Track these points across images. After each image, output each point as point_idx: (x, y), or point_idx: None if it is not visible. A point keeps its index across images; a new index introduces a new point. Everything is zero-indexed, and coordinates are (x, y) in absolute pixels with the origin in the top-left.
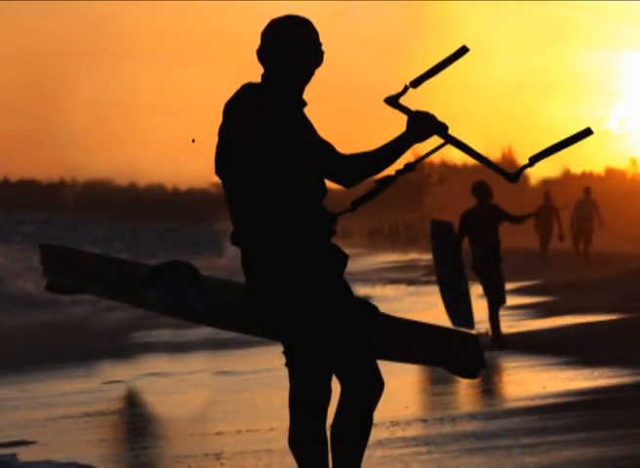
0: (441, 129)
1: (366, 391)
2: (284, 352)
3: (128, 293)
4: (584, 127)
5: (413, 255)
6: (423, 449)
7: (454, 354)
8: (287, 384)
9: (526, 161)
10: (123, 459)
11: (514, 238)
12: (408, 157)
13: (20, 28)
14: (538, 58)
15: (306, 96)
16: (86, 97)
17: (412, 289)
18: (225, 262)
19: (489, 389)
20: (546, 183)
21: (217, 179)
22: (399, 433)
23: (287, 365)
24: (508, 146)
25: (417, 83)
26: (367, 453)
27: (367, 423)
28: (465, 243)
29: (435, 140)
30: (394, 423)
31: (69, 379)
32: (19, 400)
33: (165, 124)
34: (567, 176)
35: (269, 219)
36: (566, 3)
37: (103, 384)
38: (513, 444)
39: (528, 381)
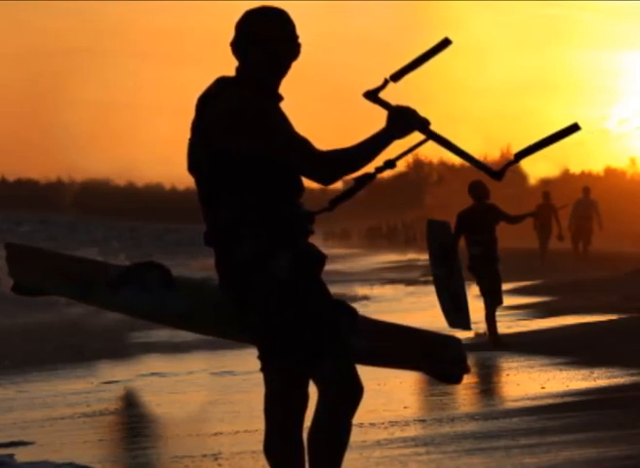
0: (422, 124)
1: (344, 396)
2: (259, 357)
3: (97, 296)
4: (572, 123)
5: (411, 255)
6: (422, 450)
7: (434, 358)
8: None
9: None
10: (121, 460)
11: (513, 238)
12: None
13: (18, 27)
14: (537, 57)
15: (305, 95)
16: (84, 97)
17: (410, 289)
18: None
19: (488, 389)
20: (546, 183)
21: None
22: (398, 433)
23: (262, 370)
24: (507, 146)
25: (397, 77)
26: (366, 454)
27: (345, 429)
28: (462, 243)
29: (417, 136)
30: (393, 423)
31: (67, 380)
32: (16, 400)
33: (163, 124)
34: (566, 176)
35: (244, 218)
36: (565, 3)
37: (101, 384)
38: (512, 444)
39: (527, 382)
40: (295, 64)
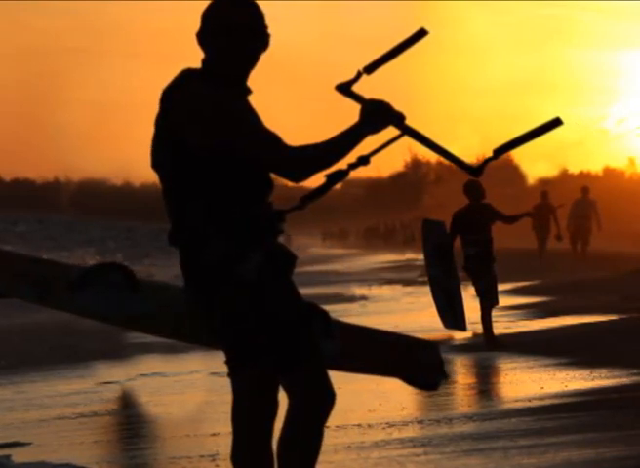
0: (397, 119)
1: (315, 403)
2: (227, 362)
3: (58, 298)
4: (554, 117)
5: (409, 255)
6: (420, 451)
7: (411, 364)
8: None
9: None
10: (118, 460)
11: (512, 238)
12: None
13: (15, 27)
14: (535, 57)
15: (303, 95)
16: (81, 97)
17: (408, 289)
18: None
19: (486, 390)
20: (544, 183)
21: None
22: (395, 434)
23: (230, 375)
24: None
25: (371, 69)
26: (364, 455)
27: (317, 437)
28: (458, 243)
29: (392, 131)
30: (391, 424)
31: (64, 380)
32: (13, 401)
33: None
34: (565, 176)
35: (211, 217)
36: (564, 3)
37: (98, 385)
38: (510, 445)
39: (525, 382)
40: (294, 64)
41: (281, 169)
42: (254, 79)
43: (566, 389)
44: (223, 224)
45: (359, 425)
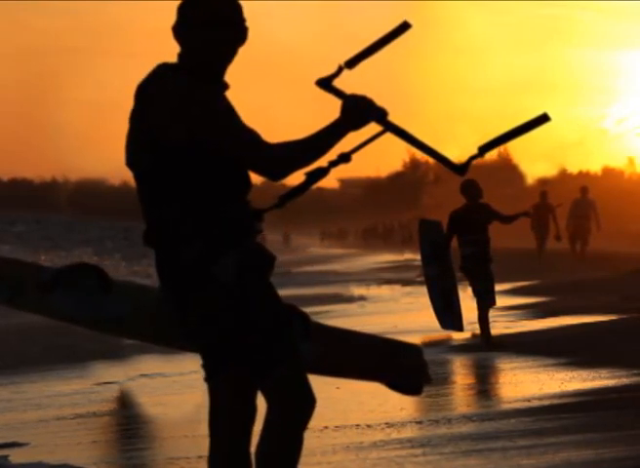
0: (379, 115)
1: (294, 408)
2: (203, 365)
3: (28, 299)
4: (541, 113)
5: (408, 255)
6: (419, 451)
7: (393, 368)
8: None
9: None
10: (116, 461)
11: (510, 238)
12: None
13: (13, 27)
14: (535, 57)
15: (301, 94)
16: (79, 96)
17: (407, 289)
18: None
19: (485, 390)
20: (543, 183)
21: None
22: (394, 434)
23: (207, 380)
24: (505, 145)
25: (352, 63)
26: (362, 455)
27: (296, 444)
28: (454, 243)
29: (374, 128)
30: (389, 425)
31: (62, 380)
32: (11, 401)
33: None
34: (564, 176)
35: (187, 217)
36: (563, 2)
37: (96, 385)
38: (509, 445)
39: (524, 382)
40: (292, 64)
41: (261, 167)
42: (253, 78)
43: (565, 389)
44: (200, 224)
45: (358, 425)
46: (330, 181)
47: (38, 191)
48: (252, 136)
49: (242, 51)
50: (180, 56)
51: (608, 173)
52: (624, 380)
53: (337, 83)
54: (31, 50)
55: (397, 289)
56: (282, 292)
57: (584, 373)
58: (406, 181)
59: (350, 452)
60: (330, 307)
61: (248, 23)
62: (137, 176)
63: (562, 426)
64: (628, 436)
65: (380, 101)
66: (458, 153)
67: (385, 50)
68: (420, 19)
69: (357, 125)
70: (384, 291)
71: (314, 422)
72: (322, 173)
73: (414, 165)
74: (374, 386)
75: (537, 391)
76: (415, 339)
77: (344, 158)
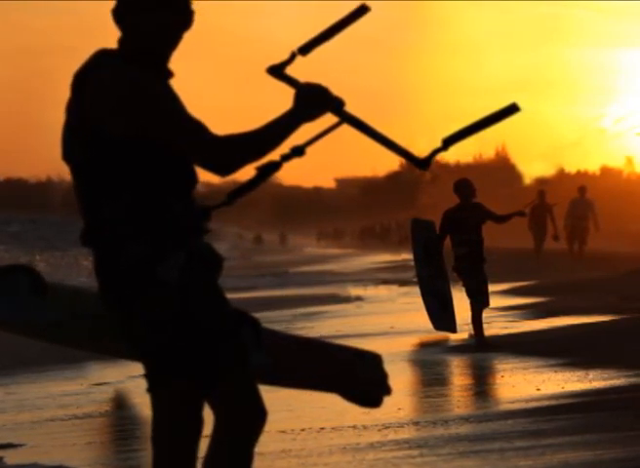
0: (336, 105)
1: (244, 422)
2: (146, 375)
3: None
4: (510, 104)
5: (405, 256)
6: (416, 452)
7: (350, 378)
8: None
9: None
10: (111, 462)
11: (508, 238)
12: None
13: (6, 26)
14: (533, 56)
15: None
16: None
17: (404, 289)
18: None
19: (482, 391)
20: (541, 182)
21: (205, 178)
22: (391, 436)
23: (150, 391)
24: (502, 145)
25: (306, 49)
26: (359, 457)
27: (246, 459)
28: (448, 243)
29: (330, 119)
30: (386, 426)
31: (57, 381)
32: (6, 402)
33: None
34: (562, 175)
35: (128, 215)
36: (561, 2)
37: (92, 386)
38: (507, 447)
39: (522, 383)
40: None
41: (207, 160)
42: (253, 78)
43: (563, 390)
44: (144, 222)
45: (354, 426)
46: (327, 181)
47: (33, 191)
48: (197, 127)
49: (237, 52)
50: (121, 41)
51: (606, 172)
52: (623, 381)
53: (336, 82)
54: (28, 49)
55: (394, 289)
56: (279, 293)
57: (583, 374)
58: (403, 181)
59: (347, 453)
60: (326, 308)
61: (195, 8)
62: (74, 171)
63: (560, 427)
64: (627, 437)
65: (378, 101)
66: (456, 152)
67: (383, 49)
68: (418, 18)
69: (312, 115)
70: (381, 291)
71: (311, 423)
72: (274, 167)
73: (411, 164)
74: None
75: (534, 392)
76: (412, 340)
77: (298, 152)
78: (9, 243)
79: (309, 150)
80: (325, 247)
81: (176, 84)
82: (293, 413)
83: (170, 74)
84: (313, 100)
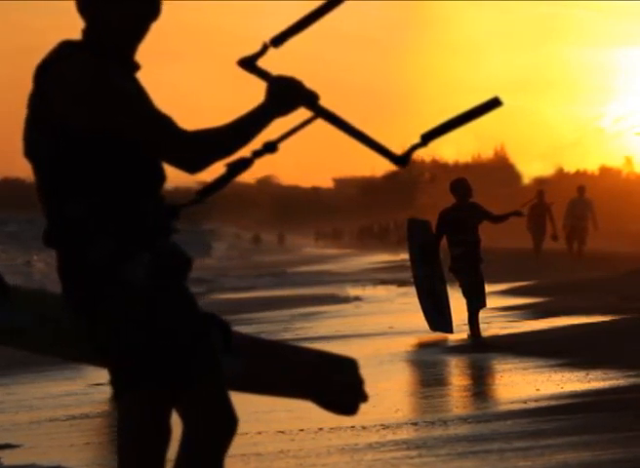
0: (309, 98)
1: (215, 429)
2: (112, 382)
3: None
4: (492, 98)
5: (403, 256)
6: (414, 453)
7: (323, 384)
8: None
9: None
10: (109, 463)
11: (507, 238)
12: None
13: (9, 26)
14: (531, 55)
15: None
16: None
17: (403, 289)
18: (213, 263)
19: (481, 392)
20: (540, 182)
21: (203, 178)
22: (389, 436)
23: (115, 397)
24: (501, 144)
25: (279, 40)
26: (357, 457)
27: None
28: (444, 243)
29: (303, 113)
30: (385, 426)
31: (55, 382)
32: (3, 403)
33: None
34: (560, 175)
35: (92, 214)
36: (560, 1)
37: (89, 387)
38: (506, 447)
39: (521, 384)
40: (289, 63)
41: (176, 157)
42: (252, 78)
43: (562, 390)
44: (109, 221)
45: (353, 427)
46: (325, 181)
47: (30, 191)
48: (165, 121)
49: (232, 51)
50: (86, 32)
51: (605, 172)
52: (622, 381)
53: (336, 82)
54: (27, 49)
55: (393, 289)
56: (277, 293)
57: (582, 374)
58: (401, 181)
59: (345, 454)
60: (325, 308)
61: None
62: (36, 168)
63: (559, 428)
64: (626, 438)
65: (377, 100)
66: (455, 152)
67: (382, 48)
68: (417, 17)
69: (284, 110)
70: (380, 291)
71: (310, 424)
72: (245, 164)
73: (408, 163)
74: (369, 387)
75: (533, 392)
76: (411, 340)
77: (270, 148)
78: (6, 243)
79: (308, 150)
80: (323, 247)
81: (175, 84)
82: (291, 414)
83: (136, 67)
84: (286, 94)
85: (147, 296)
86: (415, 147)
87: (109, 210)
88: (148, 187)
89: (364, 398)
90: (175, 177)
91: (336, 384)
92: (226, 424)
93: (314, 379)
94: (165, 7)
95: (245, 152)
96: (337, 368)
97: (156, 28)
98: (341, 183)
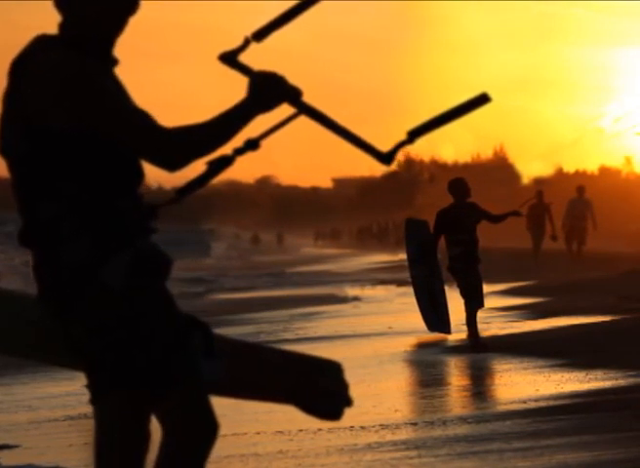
0: (292, 94)
1: (195, 434)
2: (88, 386)
3: None
4: (480, 94)
5: (402, 256)
6: (413, 453)
7: (308, 389)
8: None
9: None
10: None
11: (506, 238)
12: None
13: (9, 26)
14: (530, 55)
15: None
16: None
17: (402, 289)
18: (212, 263)
19: (480, 392)
20: (539, 182)
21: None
22: (389, 436)
23: (92, 402)
24: (500, 144)
25: (261, 35)
26: (356, 457)
27: None
28: (442, 243)
29: (286, 110)
30: (384, 426)
31: (53, 382)
32: (1, 403)
33: None
34: (560, 175)
35: (69, 213)
36: (560, 1)
37: (87, 387)
38: (505, 447)
39: (520, 384)
40: (288, 63)
41: (155, 155)
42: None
43: (562, 391)
44: (86, 220)
45: (352, 427)
46: (324, 181)
47: None
48: (144, 118)
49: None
50: (63, 26)
51: (605, 172)
52: (621, 381)
53: (336, 82)
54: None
55: (392, 289)
56: (276, 293)
57: (581, 375)
58: (400, 181)
59: (344, 454)
60: (324, 308)
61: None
62: (12, 166)
63: (558, 428)
64: (625, 438)
65: (376, 100)
66: (454, 152)
67: (382, 48)
68: (416, 17)
69: (267, 106)
70: (379, 291)
71: (308, 424)
72: (226, 162)
73: (408, 164)
74: (368, 387)
75: (533, 392)
76: (410, 340)
77: (252, 145)
78: (4, 243)
79: (307, 150)
80: (322, 247)
81: (174, 84)
82: (290, 414)
83: (115, 62)
84: (267, 90)
85: (126, 298)
86: (401, 144)
87: (87, 209)
88: (126, 186)
89: (348, 402)
90: (158, 176)
91: (320, 388)
92: (206, 428)
93: (298, 383)
94: (165, 7)
95: (226, 150)
96: (321, 371)
97: (156, 28)
98: (341, 183)
